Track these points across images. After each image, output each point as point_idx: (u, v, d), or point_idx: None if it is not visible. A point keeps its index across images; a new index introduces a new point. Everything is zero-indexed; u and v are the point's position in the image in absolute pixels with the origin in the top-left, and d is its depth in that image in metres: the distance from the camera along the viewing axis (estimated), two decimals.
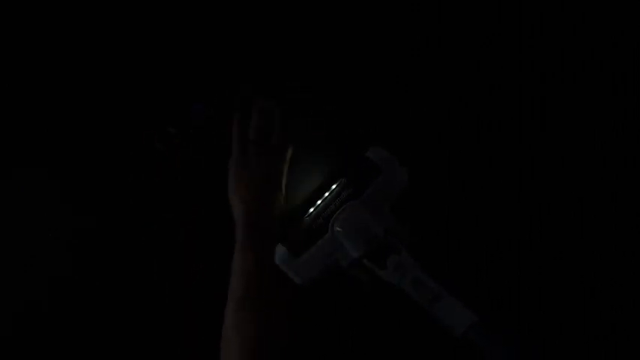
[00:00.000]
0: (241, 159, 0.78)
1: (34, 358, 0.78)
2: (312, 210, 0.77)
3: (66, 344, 0.78)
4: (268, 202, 0.77)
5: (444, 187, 0.85)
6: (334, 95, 0.90)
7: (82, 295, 0.81)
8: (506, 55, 0.91)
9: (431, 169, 0.86)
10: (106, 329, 0.79)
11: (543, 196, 0.84)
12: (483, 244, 0.82)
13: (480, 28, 0.92)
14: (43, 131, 0.89)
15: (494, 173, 0.85)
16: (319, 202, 0.77)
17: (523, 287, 0.79)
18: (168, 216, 0.85)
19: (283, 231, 0.77)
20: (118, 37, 0.94)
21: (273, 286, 0.72)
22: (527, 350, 0.63)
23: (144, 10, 0.94)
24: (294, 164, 0.83)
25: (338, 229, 0.75)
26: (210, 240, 0.83)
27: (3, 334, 0.79)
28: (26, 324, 0.79)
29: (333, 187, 0.78)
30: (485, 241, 0.82)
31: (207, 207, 0.85)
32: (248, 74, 0.92)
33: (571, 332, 0.75)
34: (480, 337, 0.64)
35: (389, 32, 0.93)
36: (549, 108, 0.88)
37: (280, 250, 0.75)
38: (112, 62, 0.93)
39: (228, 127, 0.81)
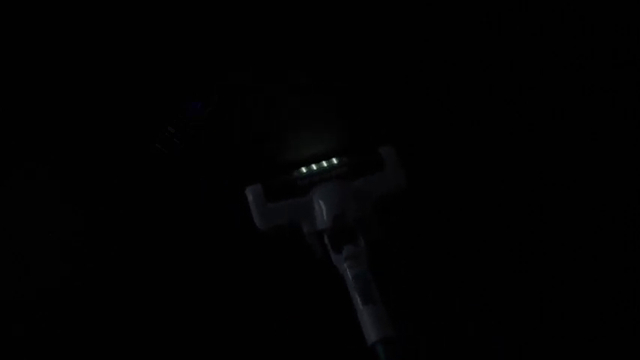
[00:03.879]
0: None
1: (33, 359, 0.78)
2: (304, 169, 0.79)
3: (65, 344, 0.78)
4: None
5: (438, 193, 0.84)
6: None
7: (81, 295, 0.81)
8: (506, 54, 0.91)
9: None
10: (105, 329, 0.79)
11: (540, 196, 0.84)
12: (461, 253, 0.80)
13: (480, 27, 0.92)
14: (43, 131, 0.89)
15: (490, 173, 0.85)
16: (314, 165, 0.79)
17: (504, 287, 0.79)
18: (169, 216, 0.85)
19: (271, 174, 0.79)
20: (117, 37, 0.94)
21: None
22: None
23: (144, 9, 0.94)
24: (311, 120, 0.84)
25: (315, 196, 0.76)
26: (210, 240, 0.83)
27: (2, 335, 0.79)
28: (25, 324, 0.79)
29: (334, 160, 0.80)
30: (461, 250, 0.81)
31: (207, 207, 0.85)
32: (248, 74, 0.92)
33: (570, 331, 0.75)
34: (384, 353, 0.64)
35: (389, 32, 0.93)
36: (549, 108, 0.88)
37: (257, 188, 0.77)
38: (111, 62, 0.93)
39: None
